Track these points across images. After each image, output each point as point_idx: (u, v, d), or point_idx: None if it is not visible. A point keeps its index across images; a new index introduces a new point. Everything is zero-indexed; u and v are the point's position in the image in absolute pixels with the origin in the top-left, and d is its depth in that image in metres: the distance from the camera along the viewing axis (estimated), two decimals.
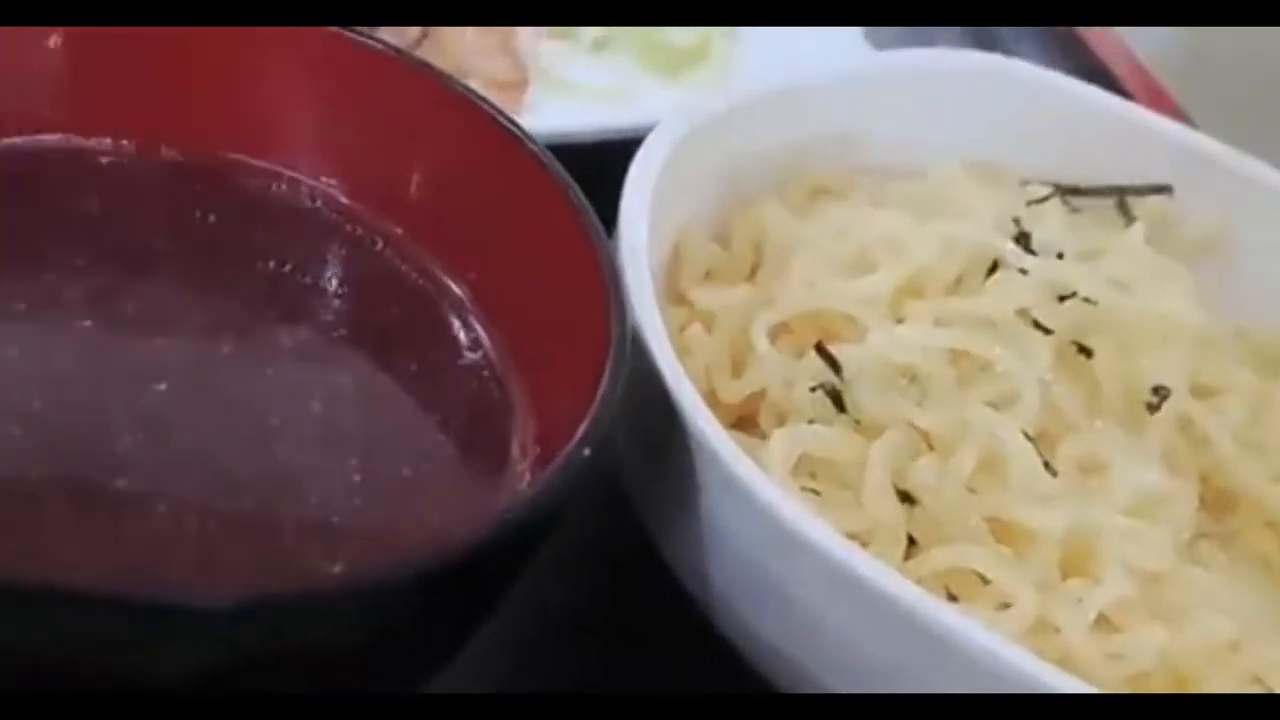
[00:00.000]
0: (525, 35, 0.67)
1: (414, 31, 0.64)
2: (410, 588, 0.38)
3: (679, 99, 0.67)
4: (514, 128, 0.48)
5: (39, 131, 0.48)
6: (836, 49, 0.69)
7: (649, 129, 0.53)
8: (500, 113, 0.48)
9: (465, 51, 0.64)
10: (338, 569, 0.42)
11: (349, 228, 0.50)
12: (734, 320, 0.52)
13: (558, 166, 0.47)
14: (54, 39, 0.48)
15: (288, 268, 0.49)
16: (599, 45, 0.69)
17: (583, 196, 0.47)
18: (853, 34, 0.70)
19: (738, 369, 0.51)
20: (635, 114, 0.65)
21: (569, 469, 0.40)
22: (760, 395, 0.50)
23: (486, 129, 0.48)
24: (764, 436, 0.50)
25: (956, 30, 0.76)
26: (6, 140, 0.48)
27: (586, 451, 0.40)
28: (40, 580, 0.36)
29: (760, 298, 0.53)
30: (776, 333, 0.51)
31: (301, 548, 0.42)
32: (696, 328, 0.52)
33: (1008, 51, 0.73)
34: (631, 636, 0.51)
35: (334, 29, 0.49)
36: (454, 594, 0.40)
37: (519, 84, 0.65)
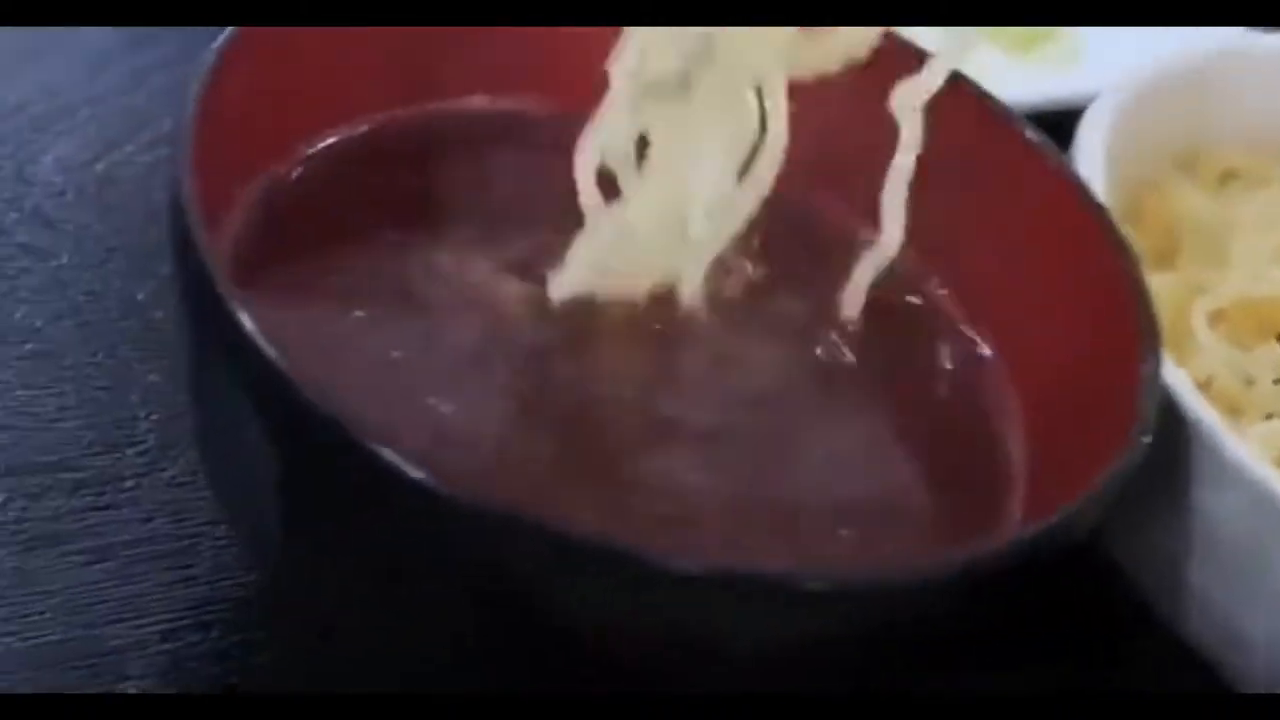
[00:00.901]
0: None
1: None
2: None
3: (1035, 77, 0.66)
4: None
5: None
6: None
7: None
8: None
9: None
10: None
11: None
12: (1167, 305, 0.51)
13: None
14: None
15: None
16: None
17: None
18: None
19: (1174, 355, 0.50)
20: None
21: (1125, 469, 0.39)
22: (1205, 384, 0.49)
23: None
24: None
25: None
26: None
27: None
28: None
29: (1190, 283, 0.51)
30: (1212, 320, 0.50)
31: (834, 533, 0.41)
32: None
33: None
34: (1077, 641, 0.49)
35: None
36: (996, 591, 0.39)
37: None
